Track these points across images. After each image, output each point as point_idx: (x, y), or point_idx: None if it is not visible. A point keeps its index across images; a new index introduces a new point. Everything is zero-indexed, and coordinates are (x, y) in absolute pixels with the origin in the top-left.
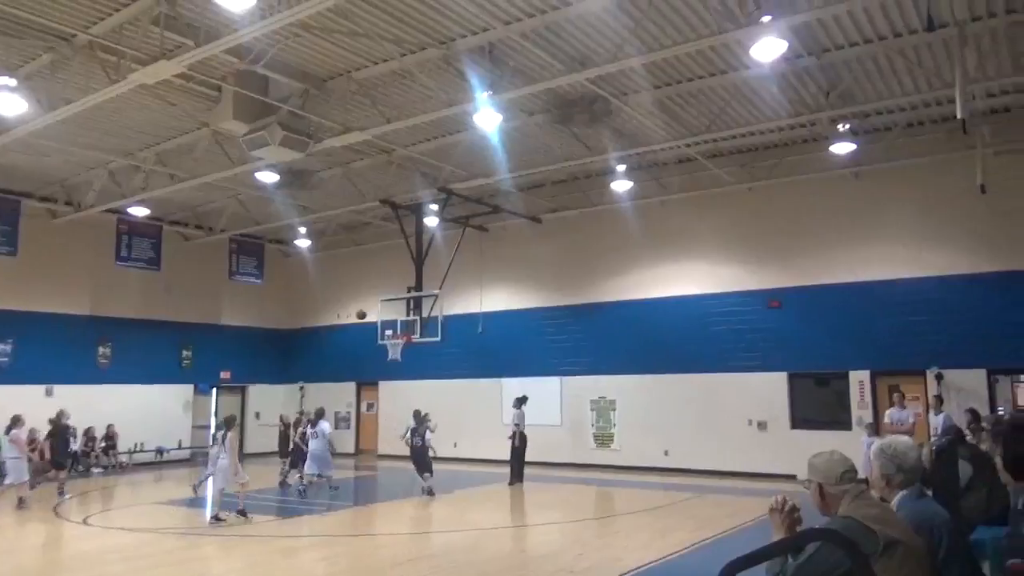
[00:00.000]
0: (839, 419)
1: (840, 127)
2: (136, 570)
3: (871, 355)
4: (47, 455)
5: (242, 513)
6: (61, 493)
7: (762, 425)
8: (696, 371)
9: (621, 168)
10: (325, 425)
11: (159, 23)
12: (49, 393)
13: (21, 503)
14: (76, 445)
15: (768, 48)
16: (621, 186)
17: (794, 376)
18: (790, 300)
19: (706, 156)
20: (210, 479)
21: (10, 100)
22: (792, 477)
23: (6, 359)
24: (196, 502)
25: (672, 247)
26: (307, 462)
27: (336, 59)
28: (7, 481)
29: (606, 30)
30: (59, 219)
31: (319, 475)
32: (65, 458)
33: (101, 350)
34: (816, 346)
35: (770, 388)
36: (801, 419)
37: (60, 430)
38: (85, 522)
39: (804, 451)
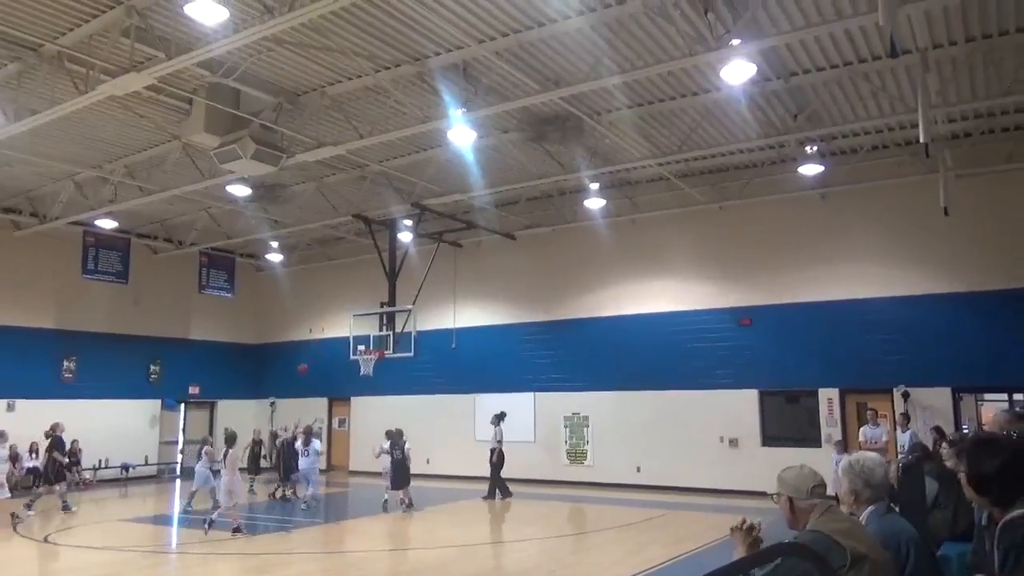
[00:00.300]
0: (809, 436)
1: (808, 149)
2: None
3: (839, 373)
4: (62, 463)
5: (237, 530)
6: (28, 507)
7: (733, 442)
8: (668, 388)
9: (594, 186)
10: (318, 444)
11: (129, 35)
12: (11, 408)
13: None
14: (36, 461)
15: (737, 71)
16: (594, 204)
17: (765, 394)
18: (760, 318)
19: (678, 175)
20: (207, 493)
21: None
22: (763, 494)
23: None
24: (162, 519)
25: (644, 264)
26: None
27: (310, 74)
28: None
29: (580, 50)
30: (23, 231)
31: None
32: (53, 474)
33: (66, 364)
34: (786, 364)
35: (741, 405)
36: (771, 436)
37: (58, 444)
38: (46, 540)
39: (774, 468)
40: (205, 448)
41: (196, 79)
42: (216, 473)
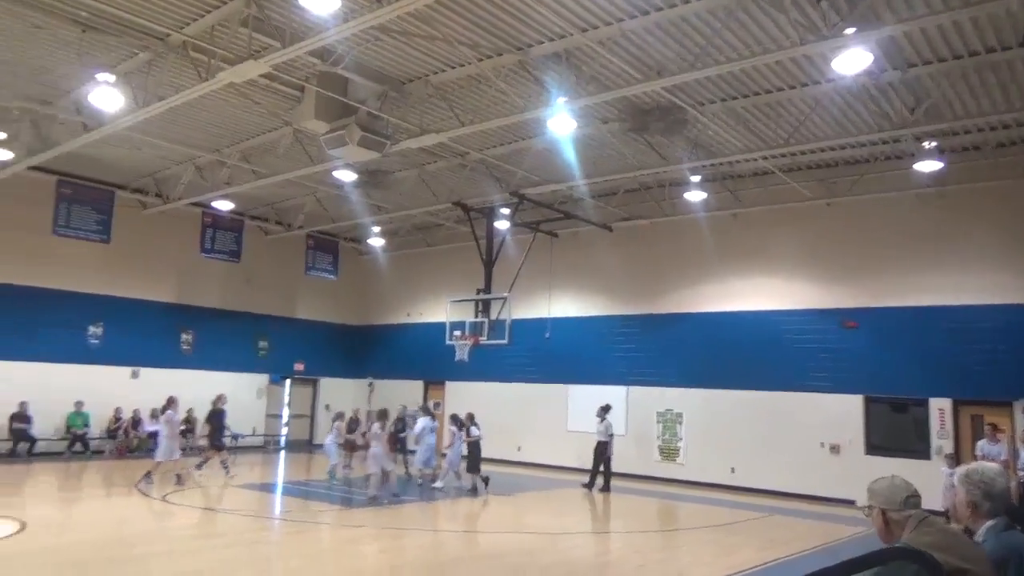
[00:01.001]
0: (917, 448)
1: (925, 144)
2: (209, 548)
3: (953, 383)
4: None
5: (396, 496)
6: (226, 470)
7: (835, 448)
8: (766, 388)
9: (695, 179)
10: (435, 422)
11: (247, 25)
12: (135, 375)
13: (179, 480)
14: (158, 425)
15: (851, 61)
16: (694, 197)
17: (870, 400)
18: (867, 321)
19: (783, 170)
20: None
21: (109, 96)
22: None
23: (97, 341)
24: (268, 487)
25: (744, 261)
26: (419, 456)
27: (414, 63)
28: (157, 458)
29: (683, 39)
30: (149, 210)
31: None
32: (222, 440)
33: (184, 336)
34: (894, 370)
35: (844, 411)
36: (876, 445)
37: (218, 414)
38: (164, 499)
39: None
40: (336, 424)
41: (308, 67)
42: (341, 446)
